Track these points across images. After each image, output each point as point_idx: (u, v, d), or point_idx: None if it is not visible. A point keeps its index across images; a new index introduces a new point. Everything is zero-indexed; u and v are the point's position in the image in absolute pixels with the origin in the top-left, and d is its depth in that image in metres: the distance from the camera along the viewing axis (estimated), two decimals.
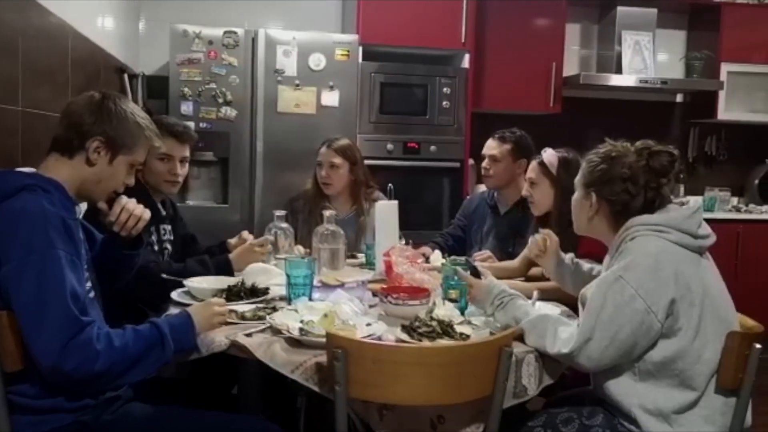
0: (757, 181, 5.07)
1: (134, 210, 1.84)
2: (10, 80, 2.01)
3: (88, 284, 1.66)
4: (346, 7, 4.53)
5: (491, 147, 2.98)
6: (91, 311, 1.58)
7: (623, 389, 1.71)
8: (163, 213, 2.51)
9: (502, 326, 1.83)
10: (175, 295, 2.03)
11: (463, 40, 4.18)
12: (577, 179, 1.91)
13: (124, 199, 1.82)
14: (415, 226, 3.49)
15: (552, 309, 2.01)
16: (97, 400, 1.60)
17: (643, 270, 1.67)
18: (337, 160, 3.03)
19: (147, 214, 1.87)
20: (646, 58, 4.80)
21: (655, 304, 1.64)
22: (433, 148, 4.16)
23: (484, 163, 2.97)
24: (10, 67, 2.00)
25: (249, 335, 1.70)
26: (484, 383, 1.56)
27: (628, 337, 1.64)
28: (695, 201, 1.83)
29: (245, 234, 2.52)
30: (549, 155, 2.53)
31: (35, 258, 1.46)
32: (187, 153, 2.49)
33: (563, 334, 1.69)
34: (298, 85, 3.81)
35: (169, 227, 2.54)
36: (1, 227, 1.48)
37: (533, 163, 2.57)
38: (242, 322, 1.81)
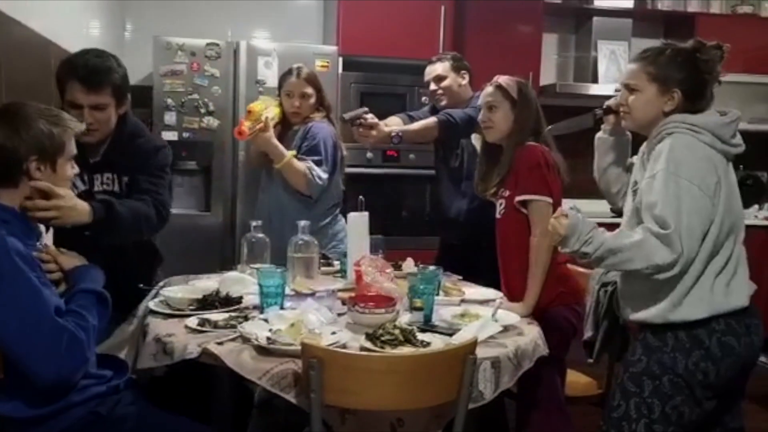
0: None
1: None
2: None
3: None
4: (327, 18, 4.63)
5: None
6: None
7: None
8: (96, 159, 2.32)
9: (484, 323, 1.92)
10: (151, 304, 2.11)
11: (440, 50, 4.28)
12: (647, 78, 1.97)
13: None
14: (395, 233, 3.61)
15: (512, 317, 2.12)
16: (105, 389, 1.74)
17: (686, 158, 1.85)
18: (308, 89, 3.03)
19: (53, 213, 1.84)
20: (622, 66, 4.91)
21: (708, 188, 1.84)
22: (412, 156, 4.26)
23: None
24: None
25: (220, 343, 1.79)
26: (450, 388, 1.66)
27: (699, 223, 1.82)
28: (735, 112, 1.98)
29: None
30: (505, 79, 2.53)
31: (6, 285, 1.53)
32: (101, 100, 2.20)
33: (655, 247, 1.82)
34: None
35: (111, 175, 2.36)
36: None
37: (490, 88, 2.52)
38: (215, 330, 1.90)
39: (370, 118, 2.93)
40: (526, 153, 2.39)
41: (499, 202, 2.46)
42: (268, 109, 2.92)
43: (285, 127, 3.03)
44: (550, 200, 2.34)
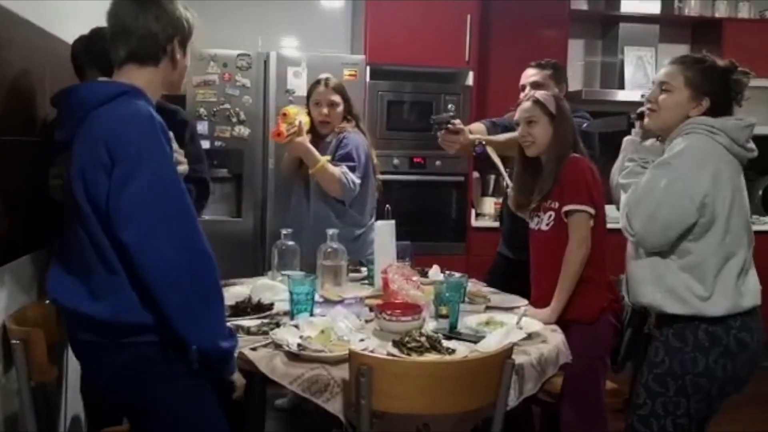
0: (760, 193, 5.17)
1: None
2: (40, 112, 2.21)
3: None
4: (355, 27, 4.70)
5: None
6: None
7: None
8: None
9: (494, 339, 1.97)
10: None
11: (466, 59, 4.34)
12: (684, 81, 2.08)
13: None
14: (422, 238, 3.66)
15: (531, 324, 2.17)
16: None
17: (689, 161, 1.99)
18: (336, 98, 3.10)
19: None
20: (649, 73, 4.91)
21: (693, 193, 1.97)
22: (438, 162, 4.31)
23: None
24: (41, 100, 2.19)
25: (254, 349, 1.87)
26: (482, 393, 1.73)
27: (667, 214, 1.98)
28: (750, 119, 2.10)
29: None
30: (541, 94, 2.57)
31: (150, 162, 1.53)
32: None
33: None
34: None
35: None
36: (111, 131, 1.54)
37: (528, 103, 2.53)
38: (247, 336, 1.98)
39: (458, 123, 2.90)
40: (573, 165, 2.44)
41: (547, 215, 2.47)
42: (300, 115, 2.99)
43: (316, 137, 3.09)
44: (592, 211, 2.39)
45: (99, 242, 1.57)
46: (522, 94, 3.02)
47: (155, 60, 1.69)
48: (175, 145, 1.74)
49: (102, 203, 1.53)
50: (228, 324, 1.95)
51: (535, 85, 3.09)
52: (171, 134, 1.66)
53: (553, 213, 2.45)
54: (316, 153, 2.96)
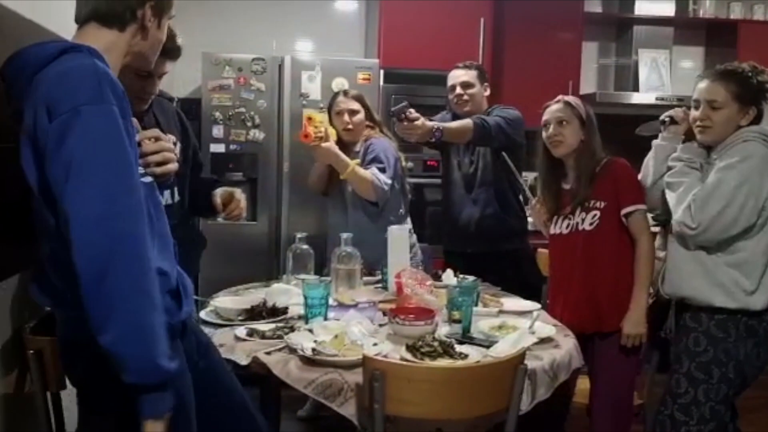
0: None
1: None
2: None
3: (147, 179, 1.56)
4: (368, 31, 4.73)
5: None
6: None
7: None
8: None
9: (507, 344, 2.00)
10: (203, 314, 2.23)
11: (480, 62, 4.33)
12: (731, 96, 2.23)
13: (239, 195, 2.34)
14: (435, 241, 3.68)
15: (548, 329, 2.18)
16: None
17: (754, 166, 2.17)
18: (355, 105, 3.16)
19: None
20: (663, 75, 4.91)
21: (758, 195, 2.16)
22: None
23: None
24: None
25: (269, 353, 1.89)
26: (496, 398, 1.75)
27: (735, 213, 2.14)
28: None
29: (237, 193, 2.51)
30: (571, 97, 2.65)
31: (86, 110, 1.29)
32: (168, 69, 2.26)
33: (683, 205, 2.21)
34: (322, 108, 3.99)
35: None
36: (50, 89, 1.32)
37: (558, 104, 2.60)
38: (263, 340, 2.00)
39: (413, 112, 2.96)
40: (621, 167, 2.54)
41: (591, 214, 2.51)
42: (325, 123, 3.01)
43: (343, 148, 3.11)
44: (645, 208, 2.50)
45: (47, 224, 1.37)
46: (451, 95, 3.35)
47: (121, 23, 1.49)
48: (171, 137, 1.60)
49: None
50: (242, 328, 1.96)
51: (465, 85, 3.30)
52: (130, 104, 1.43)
53: (597, 212, 2.51)
54: (345, 157, 2.99)
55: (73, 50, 1.38)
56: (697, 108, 2.30)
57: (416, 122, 2.93)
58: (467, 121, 3.12)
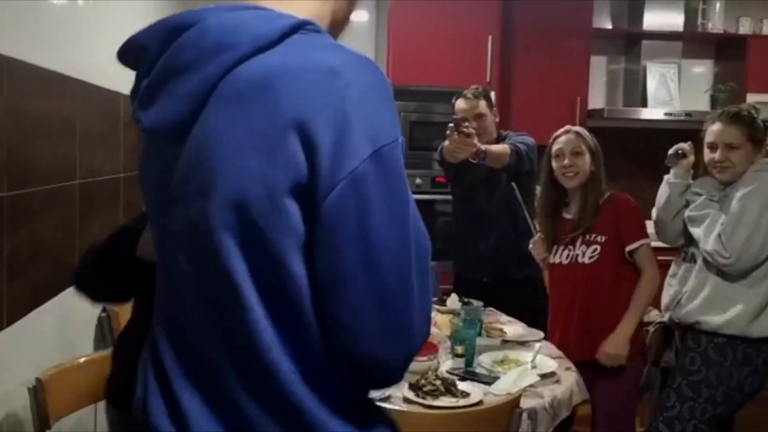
0: None
1: None
2: (69, 159, 2.28)
3: None
4: (378, 49, 4.76)
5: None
6: None
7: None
8: None
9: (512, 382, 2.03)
10: None
11: (488, 79, 4.37)
12: (746, 137, 2.40)
13: None
14: (444, 258, 3.70)
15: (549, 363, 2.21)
16: None
17: None
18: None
19: None
20: (672, 90, 4.89)
21: None
22: None
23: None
24: (70, 146, 2.27)
25: None
26: None
27: (763, 239, 2.27)
28: None
29: None
30: (579, 128, 2.70)
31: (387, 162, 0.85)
32: None
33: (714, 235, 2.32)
34: None
35: None
36: (312, 99, 0.83)
37: (571, 135, 2.62)
38: None
39: (470, 128, 2.86)
40: (623, 201, 2.59)
41: (591, 248, 2.54)
42: None
43: None
44: (650, 240, 2.56)
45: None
46: (451, 127, 2.85)
47: None
48: None
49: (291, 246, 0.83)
50: None
51: (479, 116, 3.11)
52: None
53: (598, 247, 2.53)
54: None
55: (307, 29, 0.92)
56: (712, 149, 2.44)
57: (471, 138, 2.84)
58: (506, 146, 3.02)
